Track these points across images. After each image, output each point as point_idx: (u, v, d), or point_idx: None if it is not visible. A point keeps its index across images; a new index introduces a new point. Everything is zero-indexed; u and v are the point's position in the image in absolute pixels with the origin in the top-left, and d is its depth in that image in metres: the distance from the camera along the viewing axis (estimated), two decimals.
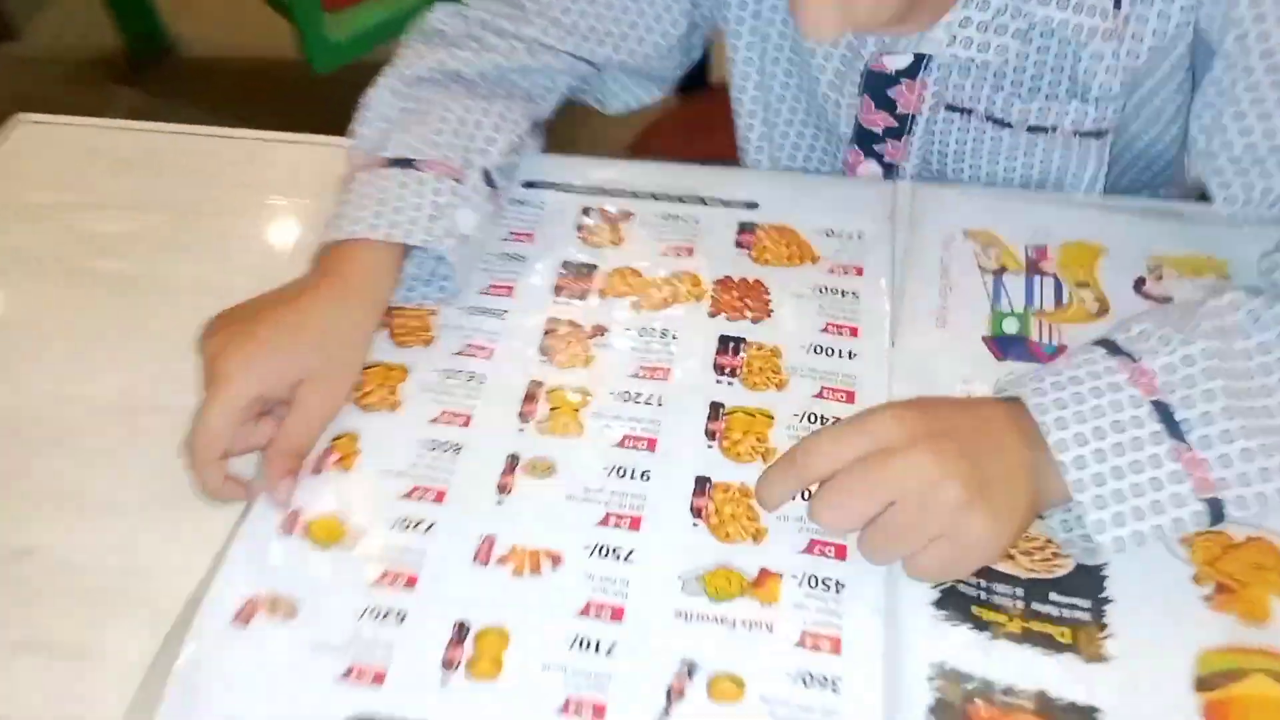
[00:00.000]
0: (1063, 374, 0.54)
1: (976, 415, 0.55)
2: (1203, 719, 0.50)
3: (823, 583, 0.55)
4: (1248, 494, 0.52)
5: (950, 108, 0.72)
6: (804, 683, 0.52)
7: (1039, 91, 0.70)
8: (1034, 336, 0.64)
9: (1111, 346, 0.55)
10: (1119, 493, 0.52)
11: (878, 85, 0.73)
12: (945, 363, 0.63)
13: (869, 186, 0.73)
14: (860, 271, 0.69)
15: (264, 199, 0.78)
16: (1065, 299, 0.66)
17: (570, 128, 0.84)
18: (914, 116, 0.73)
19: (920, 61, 0.70)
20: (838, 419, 0.61)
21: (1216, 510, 0.52)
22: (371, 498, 0.60)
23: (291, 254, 0.70)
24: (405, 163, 0.67)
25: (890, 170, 0.77)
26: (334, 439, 0.62)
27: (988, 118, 0.71)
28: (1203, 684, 0.51)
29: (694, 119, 1.04)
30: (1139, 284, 0.66)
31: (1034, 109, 0.70)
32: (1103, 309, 0.65)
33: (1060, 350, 0.64)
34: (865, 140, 0.76)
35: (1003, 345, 0.64)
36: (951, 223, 0.71)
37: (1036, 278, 0.67)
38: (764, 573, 0.56)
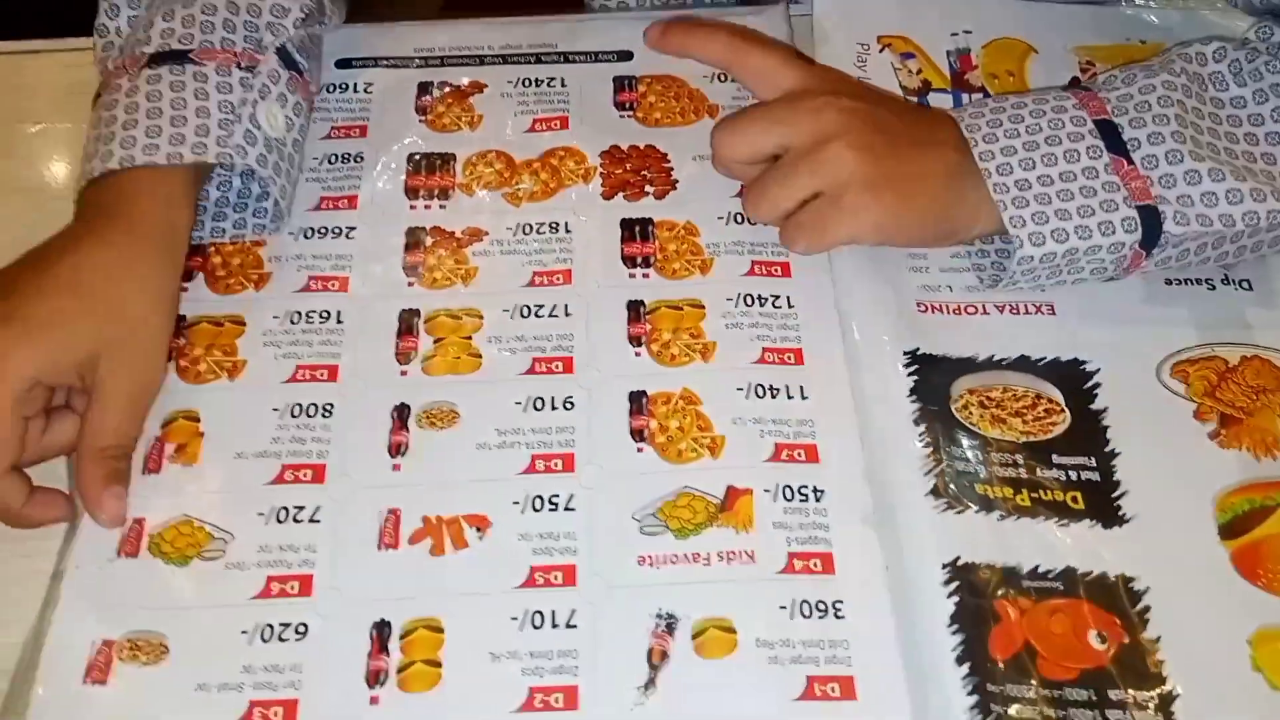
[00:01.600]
0: (1008, 100, 0.52)
1: (911, 111, 0.54)
2: (1234, 567, 0.45)
3: (799, 492, 0.47)
4: (1189, 213, 0.48)
5: None
6: (803, 614, 0.44)
7: None
8: None
9: (1071, 86, 0.52)
10: (1044, 196, 0.49)
11: None
12: None
13: (758, 15, 0.62)
14: None
15: (16, 127, 0.61)
16: None
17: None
18: None
19: None
20: (776, 297, 0.52)
21: (1151, 221, 0.48)
22: (232, 491, 0.47)
23: (62, 195, 0.54)
24: (174, 57, 0.52)
25: None
26: (165, 424, 0.49)
27: None
28: (1226, 531, 0.46)
29: None
30: (1073, 85, 0.59)
31: None
32: None
33: None
34: None
35: None
36: (861, 31, 0.61)
37: (965, 96, 0.59)
38: (731, 491, 0.47)
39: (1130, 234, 0.48)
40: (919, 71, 0.59)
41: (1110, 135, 0.49)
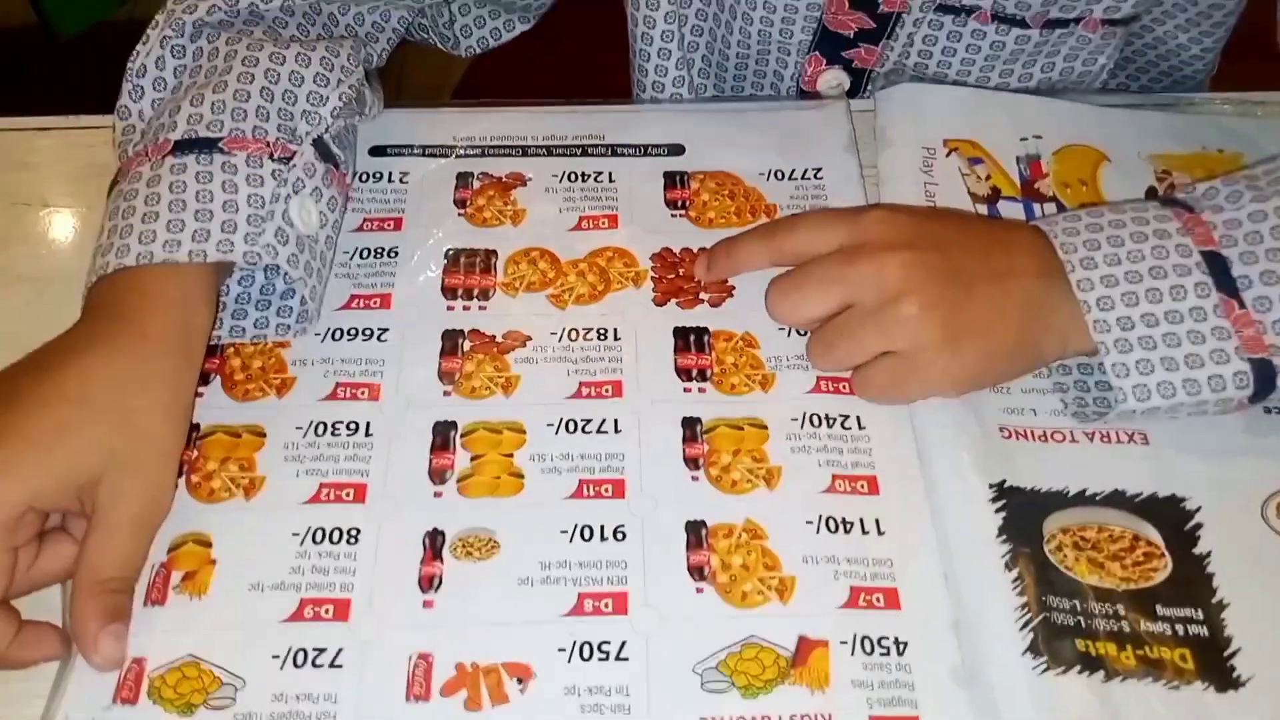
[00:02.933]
0: (1104, 215, 0.47)
1: (985, 236, 0.49)
2: None
3: (879, 644, 0.42)
4: None
5: (944, 8, 0.57)
6: None
7: None
8: None
9: (1169, 200, 0.47)
10: (1148, 340, 0.44)
11: None
12: None
13: (819, 110, 0.58)
14: None
15: (23, 209, 0.57)
16: None
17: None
18: (899, 15, 0.58)
19: None
20: (846, 417, 0.48)
21: (1265, 375, 0.44)
22: (244, 628, 0.42)
23: (74, 286, 0.49)
24: (202, 145, 0.48)
25: (860, 79, 0.62)
26: (172, 549, 0.44)
27: (996, 16, 0.56)
28: None
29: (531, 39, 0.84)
30: (1151, 196, 0.55)
31: None
32: None
33: None
34: (830, 46, 0.60)
35: None
36: (926, 134, 0.57)
37: (1036, 205, 0.55)
38: (804, 643, 0.42)
39: (1241, 389, 0.44)
40: (988, 178, 0.56)
41: (1219, 269, 0.45)
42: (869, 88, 0.62)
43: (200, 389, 0.48)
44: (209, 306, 0.48)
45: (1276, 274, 0.44)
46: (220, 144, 0.48)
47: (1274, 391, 0.44)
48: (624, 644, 0.42)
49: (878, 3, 0.57)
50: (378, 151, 0.58)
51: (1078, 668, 0.41)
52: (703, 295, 0.52)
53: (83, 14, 1.59)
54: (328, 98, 0.51)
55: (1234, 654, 0.42)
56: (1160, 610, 0.43)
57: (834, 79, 0.62)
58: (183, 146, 0.48)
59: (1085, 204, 0.53)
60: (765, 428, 0.47)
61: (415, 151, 0.58)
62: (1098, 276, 0.45)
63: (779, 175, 0.56)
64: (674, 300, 0.51)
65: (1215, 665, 0.42)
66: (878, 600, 0.43)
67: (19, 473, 0.40)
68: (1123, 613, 0.43)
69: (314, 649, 0.42)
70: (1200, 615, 0.43)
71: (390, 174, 0.57)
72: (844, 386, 0.49)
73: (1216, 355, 0.44)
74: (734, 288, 0.52)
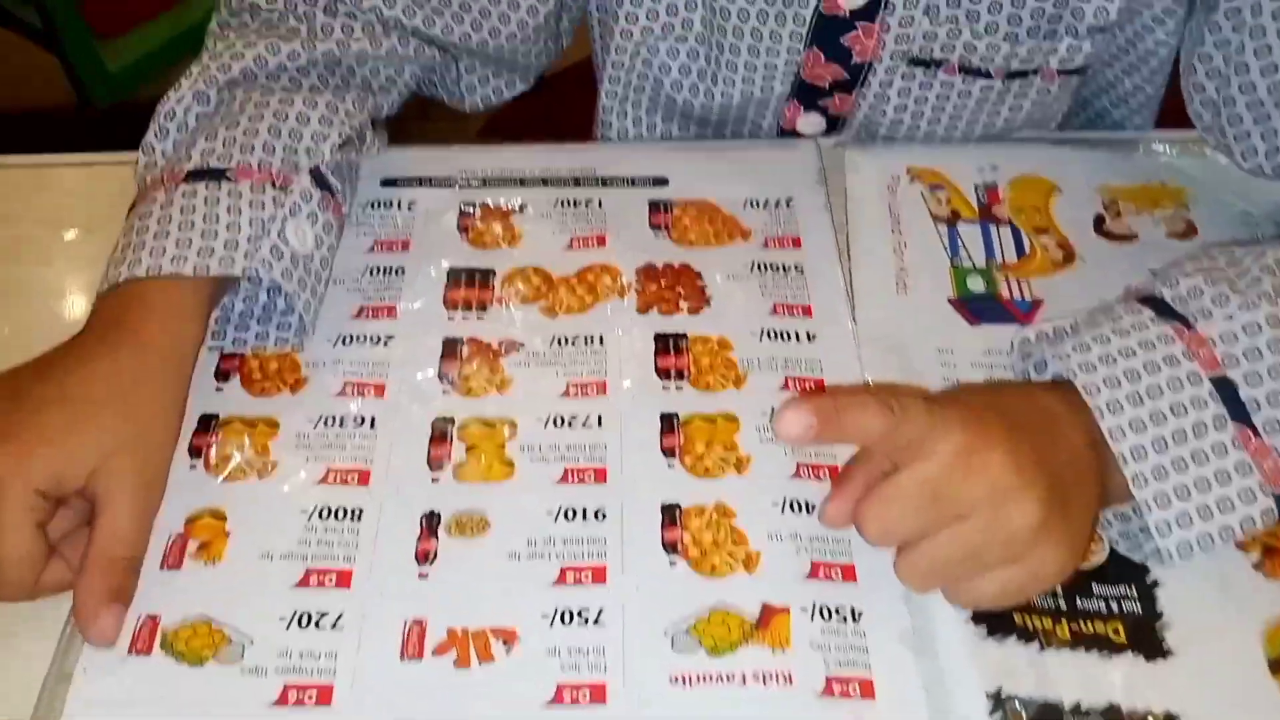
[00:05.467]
0: (1111, 343, 0.46)
1: (1035, 405, 0.45)
2: None
3: (837, 612, 0.45)
4: None
5: (915, 61, 0.61)
6: None
7: (1027, 28, 0.58)
8: (1004, 294, 0.57)
9: (1159, 306, 0.47)
10: (1183, 489, 0.44)
11: (829, 32, 0.61)
12: (916, 334, 0.55)
13: (791, 149, 0.64)
14: (798, 243, 0.59)
15: (56, 233, 0.62)
16: (1026, 248, 0.59)
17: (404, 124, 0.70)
18: (871, 65, 0.62)
19: None
20: None
21: None
22: (254, 591, 0.46)
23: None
24: (212, 174, 0.54)
25: (835, 123, 0.67)
26: (189, 520, 0.48)
27: (963, 69, 0.61)
28: (1277, 665, 0.44)
29: (550, 99, 0.92)
30: (1099, 223, 0.60)
31: (1021, 51, 0.60)
32: (1068, 256, 0.59)
33: (1036, 306, 0.56)
34: (807, 95, 0.65)
35: (973, 308, 0.56)
36: (891, 163, 0.62)
37: (993, 226, 0.60)
38: (767, 609, 0.45)
39: (1268, 519, 0.45)
40: (948, 201, 0.61)
41: (1229, 396, 0.45)
42: (843, 129, 0.67)
43: (220, 385, 0.53)
44: (202, 321, 0.53)
45: (1278, 394, 0.45)
46: (228, 173, 0.54)
47: None
48: (601, 610, 0.46)
49: (850, 55, 0.62)
50: (389, 183, 0.63)
51: (1015, 636, 0.45)
52: (682, 304, 0.56)
53: (114, 89, 1.69)
54: (328, 135, 0.56)
55: (1165, 628, 0.45)
56: (1096, 589, 0.47)
57: (812, 122, 0.67)
58: (195, 175, 0.53)
59: (1072, 323, 0.50)
60: (736, 420, 0.51)
61: (423, 183, 0.63)
62: (1126, 422, 0.44)
63: (754, 204, 0.61)
64: (655, 308, 0.56)
65: (1147, 637, 0.45)
66: (836, 574, 0.47)
67: (30, 462, 0.45)
68: (1059, 591, 0.46)
69: (318, 612, 0.45)
70: (1134, 592, 0.46)
71: (399, 202, 0.62)
72: (809, 385, 0.53)
73: (1244, 495, 0.44)
74: (711, 298, 0.56)
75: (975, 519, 0.41)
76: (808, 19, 0.60)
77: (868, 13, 0.59)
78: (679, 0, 0.63)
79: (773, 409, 0.52)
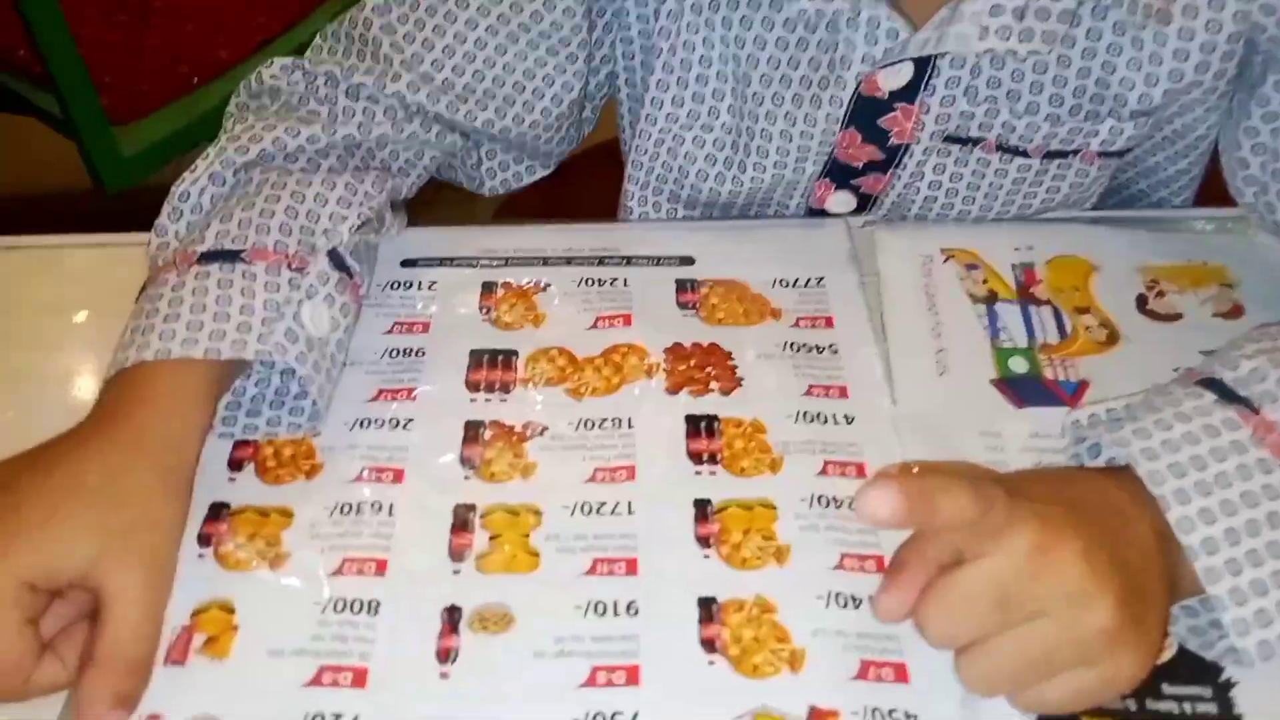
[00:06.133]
0: (1173, 429, 0.43)
1: (1104, 497, 0.43)
2: None
3: (890, 716, 0.42)
4: None
5: (952, 139, 0.60)
6: None
7: (1069, 108, 0.58)
8: (1048, 375, 0.55)
9: (1221, 389, 0.45)
10: (1259, 583, 0.41)
11: (866, 114, 0.60)
12: (958, 416, 0.53)
13: (820, 228, 0.63)
14: (830, 323, 0.58)
15: (68, 317, 0.61)
16: (1069, 329, 0.57)
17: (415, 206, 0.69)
18: (908, 147, 0.60)
19: (923, 77, 0.58)
20: (854, 500, 0.49)
21: None
22: (262, 691, 0.43)
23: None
24: (226, 256, 0.52)
25: (866, 202, 0.65)
26: (196, 613, 0.45)
27: (1000, 147, 0.60)
28: None
29: (566, 182, 0.91)
30: (1141, 302, 0.58)
31: (1061, 132, 0.58)
32: (1112, 336, 0.57)
33: (1082, 388, 0.54)
34: (840, 174, 0.64)
35: (1017, 389, 0.54)
36: (924, 244, 0.61)
37: (1032, 307, 0.58)
38: (815, 713, 0.42)
39: None
40: (984, 281, 0.59)
41: None
42: (874, 209, 0.65)
43: (233, 475, 0.51)
44: (208, 407, 0.50)
45: None
46: (243, 255, 0.52)
47: None
48: (636, 715, 0.42)
49: (888, 136, 0.61)
50: (409, 264, 0.62)
51: None
52: (713, 385, 0.54)
53: (127, 175, 1.69)
54: (346, 216, 0.55)
55: None
56: (1166, 689, 0.43)
57: (843, 200, 0.65)
58: (208, 257, 0.52)
59: (1127, 405, 0.48)
60: (774, 508, 0.49)
61: (443, 263, 0.62)
62: (1195, 512, 0.42)
63: (784, 284, 0.60)
64: (685, 390, 0.54)
65: None
66: (888, 674, 0.43)
67: (14, 554, 0.42)
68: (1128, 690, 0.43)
69: (331, 714, 0.42)
70: (1208, 693, 0.43)
71: (420, 283, 0.61)
72: (850, 471, 0.50)
73: None
74: (743, 379, 0.54)
75: (1047, 622, 0.39)
76: (845, 101, 0.59)
77: (906, 94, 0.58)
78: (707, 89, 0.62)
79: (812, 496, 0.49)
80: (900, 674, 0.43)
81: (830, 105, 0.59)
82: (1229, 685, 0.44)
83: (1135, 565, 0.41)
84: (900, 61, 0.57)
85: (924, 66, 0.57)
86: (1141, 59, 0.56)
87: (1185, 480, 0.42)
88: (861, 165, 0.62)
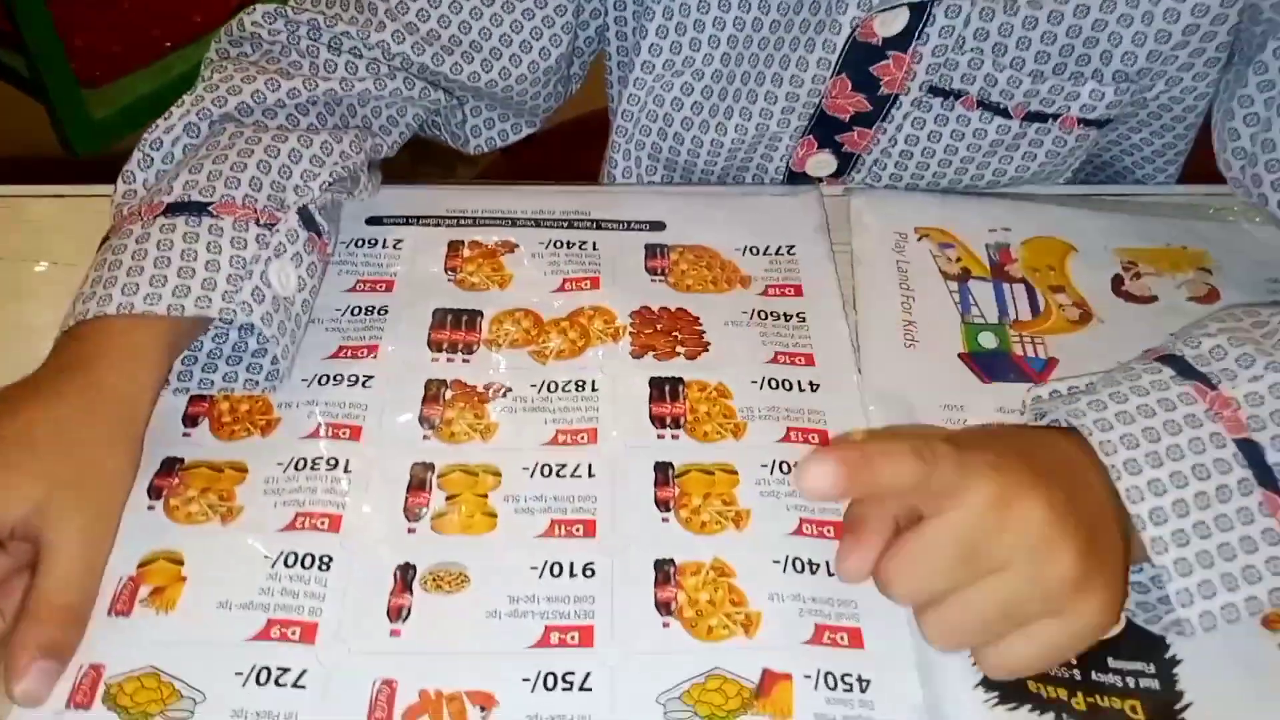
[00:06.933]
0: (1129, 401, 0.43)
1: (1056, 451, 0.43)
2: None
3: (843, 680, 0.42)
4: None
5: (935, 90, 0.60)
6: None
7: (1054, 65, 0.57)
8: (1017, 351, 0.55)
9: (1180, 365, 0.45)
10: (1206, 555, 0.41)
11: (860, 60, 0.59)
12: (923, 388, 0.53)
13: (793, 196, 0.62)
14: (799, 291, 0.57)
15: (27, 267, 0.59)
16: (1041, 307, 0.57)
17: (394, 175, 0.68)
18: (896, 98, 0.60)
19: (918, 24, 0.56)
20: None
21: None
22: (209, 644, 0.42)
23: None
24: (193, 208, 0.50)
25: (847, 162, 0.64)
26: (142, 564, 0.44)
27: (981, 103, 0.59)
28: None
29: (566, 137, 0.90)
30: (1117, 283, 0.58)
31: (1042, 90, 0.58)
32: (1085, 315, 0.56)
33: (1051, 365, 0.54)
34: (825, 129, 0.63)
35: (985, 364, 0.54)
36: (899, 222, 0.60)
37: (1006, 285, 0.58)
38: (768, 675, 0.42)
39: None
40: (958, 260, 0.59)
41: (1255, 460, 0.42)
42: (853, 172, 0.65)
43: (188, 430, 0.50)
44: (164, 363, 0.49)
45: None
46: (210, 208, 0.50)
47: None
48: (588, 675, 0.42)
49: (878, 85, 0.60)
50: (374, 221, 0.61)
51: (1029, 706, 0.42)
52: (678, 350, 0.54)
53: (97, 138, 1.67)
54: (318, 173, 0.54)
55: (1185, 707, 0.42)
56: (1112, 663, 0.43)
57: (823, 161, 0.64)
58: (175, 208, 0.50)
59: (1089, 383, 0.48)
60: (735, 473, 0.48)
61: (411, 222, 0.61)
62: (1145, 483, 0.41)
63: (754, 251, 0.59)
64: (650, 353, 0.53)
65: (1166, 717, 0.42)
66: (842, 639, 0.43)
67: None
68: (1074, 662, 0.43)
69: (278, 668, 0.41)
70: (1152, 669, 0.43)
71: (385, 240, 0.60)
72: (813, 438, 0.50)
73: (1272, 565, 0.41)
74: (709, 344, 0.54)
75: (1012, 572, 0.38)
76: (839, 46, 0.58)
77: (900, 42, 0.58)
78: (703, 35, 0.61)
79: (774, 462, 0.49)
80: (855, 639, 0.43)
81: (823, 50, 0.59)
82: (1174, 662, 0.44)
83: (1094, 514, 0.41)
84: (897, 6, 0.56)
85: (920, 13, 0.57)
86: (1133, 15, 0.55)
87: (1137, 451, 0.42)
88: (848, 118, 0.62)
